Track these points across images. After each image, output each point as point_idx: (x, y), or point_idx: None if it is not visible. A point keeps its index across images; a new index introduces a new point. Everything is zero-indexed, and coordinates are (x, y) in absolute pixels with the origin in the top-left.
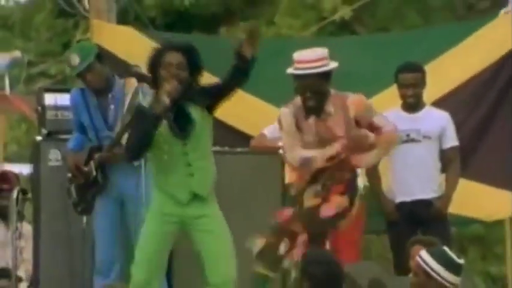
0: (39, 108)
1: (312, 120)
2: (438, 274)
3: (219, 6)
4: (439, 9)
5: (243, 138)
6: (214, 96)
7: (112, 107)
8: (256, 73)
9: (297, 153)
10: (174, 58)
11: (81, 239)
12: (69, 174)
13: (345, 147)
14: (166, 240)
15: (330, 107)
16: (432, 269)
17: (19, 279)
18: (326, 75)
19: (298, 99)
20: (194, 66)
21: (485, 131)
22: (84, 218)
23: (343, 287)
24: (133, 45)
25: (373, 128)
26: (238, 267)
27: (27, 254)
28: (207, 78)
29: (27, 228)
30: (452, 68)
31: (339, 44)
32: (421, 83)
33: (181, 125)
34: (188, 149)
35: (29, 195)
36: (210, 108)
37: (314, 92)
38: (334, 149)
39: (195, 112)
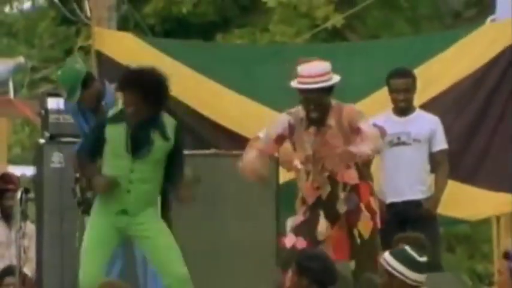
0: (42, 112)
1: (312, 130)
2: (401, 273)
3: (215, 14)
4: (427, 18)
5: (239, 141)
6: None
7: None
8: (252, 77)
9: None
10: (126, 98)
11: (83, 238)
12: (77, 175)
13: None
14: (107, 242)
15: (331, 120)
16: (395, 269)
17: (25, 277)
18: (329, 89)
19: (300, 111)
20: (150, 97)
21: (471, 134)
22: (86, 218)
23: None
24: (134, 51)
25: (357, 132)
26: (236, 266)
27: (32, 253)
28: (202, 82)
29: (30, 227)
30: (440, 72)
31: (330, 51)
32: (411, 88)
33: (137, 142)
34: (135, 167)
35: (32, 195)
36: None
37: (317, 105)
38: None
39: (158, 140)
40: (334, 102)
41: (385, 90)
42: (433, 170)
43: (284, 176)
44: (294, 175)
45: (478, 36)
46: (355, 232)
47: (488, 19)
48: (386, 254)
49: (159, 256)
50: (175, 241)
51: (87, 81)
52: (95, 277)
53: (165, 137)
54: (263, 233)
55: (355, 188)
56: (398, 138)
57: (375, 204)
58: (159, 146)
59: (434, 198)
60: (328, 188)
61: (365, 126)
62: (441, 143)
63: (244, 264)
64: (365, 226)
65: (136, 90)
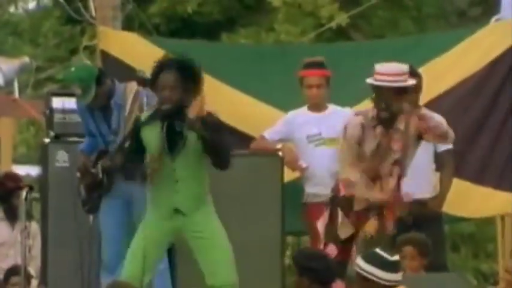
0: (47, 111)
1: (379, 130)
2: (374, 275)
3: (220, 14)
4: (433, 17)
5: (244, 140)
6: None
7: (115, 112)
8: (257, 77)
9: (346, 173)
10: (167, 79)
11: (87, 237)
12: (79, 174)
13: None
14: (161, 238)
15: (400, 125)
16: (368, 272)
17: (30, 277)
18: (403, 91)
19: (370, 110)
20: (190, 84)
21: (477, 132)
22: (91, 217)
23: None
24: (138, 51)
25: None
26: (241, 266)
27: (35, 251)
28: (208, 82)
29: (34, 226)
30: (445, 71)
31: (335, 50)
32: (417, 88)
33: (172, 141)
34: (176, 165)
35: (36, 194)
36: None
37: (388, 105)
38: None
39: (191, 132)
40: (407, 106)
41: None
42: (438, 169)
43: (289, 175)
44: (299, 174)
45: (483, 35)
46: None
47: (493, 18)
48: (360, 261)
49: (211, 256)
50: (229, 243)
51: (100, 78)
52: (135, 278)
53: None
54: (268, 232)
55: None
56: None
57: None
58: (193, 139)
59: (440, 198)
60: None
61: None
62: None
63: (250, 264)
64: (370, 225)
65: (177, 71)
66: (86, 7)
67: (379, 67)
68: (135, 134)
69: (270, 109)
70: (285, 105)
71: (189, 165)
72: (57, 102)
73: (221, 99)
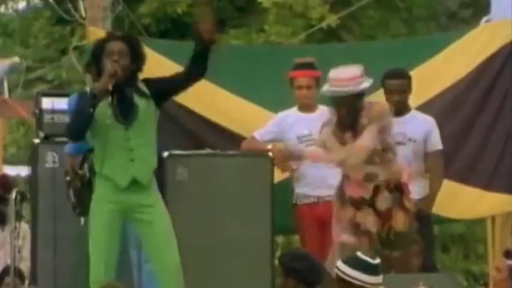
0: (37, 112)
1: (348, 135)
2: (357, 279)
3: None
4: (423, 18)
5: (234, 140)
6: (160, 90)
7: None
8: (247, 77)
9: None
10: (115, 46)
11: (78, 238)
12: (67, 178)
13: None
14: (115, 230)
15: (363, 119)
16: (350, 276)
17: (23, 276)
18: (359, 94)
19: (332, 117)
20: (136, 54)
21: (467, 134)
22: (82, 219)
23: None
24: None
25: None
26: (231, 265)
27: (25, 252)
28: (199, 83)
29: (24, 227)
30: (436, 74)
31: (326, 51)
32: (407, 89)
33: (124, 110)
34: (130, 134)
35: (26, 195)
36: (158, 100)
37: (349, 110)
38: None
39: (140, 100)
40: (366, 102)
41: (380, 91)
42: (427, 170)
43: (278, 175)
44: (289, 175)
45: (474, 37)
46: (385, 229)
47: (483, 19)
48: (340, 264)
49: (157, 241)
50: (171, 227)
51: None
52: (105, 270)
53: (143, 95)
54: (258, 232)
55: (398, 187)
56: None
57: (409, 204)
58: (143, 107)
59: (429, 198)
60: (371, 187)
61: (365, 133)
62: (436, 144)
63: (240, 263)
64: (398, 220)
65: (126, 42)
66: (76, 8)
67: (332, 74)
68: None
69: (260, 110)
70: (275, 106)
71: (143, 133)
72: (47, 103)
73: (211, 99)
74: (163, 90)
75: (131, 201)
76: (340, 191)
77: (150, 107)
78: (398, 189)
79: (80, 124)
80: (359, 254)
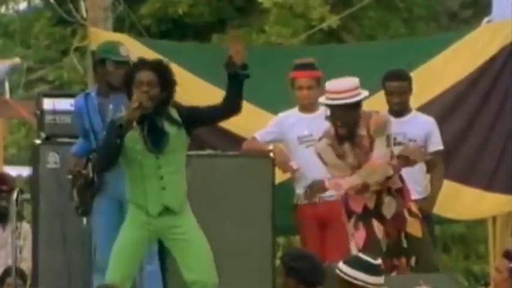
0: (38, 112)
1: (347, 146)
2: (361, 280)
3: (211, 15)
4: (423, 19)
5: (235, 141)
6: (192, 119)
7: (111, 106)
8: (247, 79)
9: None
10: (145, 77)
11: (79, 238)
12: (70, 176)
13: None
14: (140, 249)
15: (361, 130)
16: (351, 277)
17: (25, 276)
18: (356, 105)
19: (330, 128)
20: (166, 82)
21: (467, 134)
22: (84, 220)
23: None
24: (129, 53)
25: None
26: (232, 266)
27: (26, 252)
28: (198, 84)
29: (25, 227)
30: (437, 75)
31: (326, 52)
32: (407, 90)
33: (155, 138)
34: (161, 162)
35: (27, 195)
36: (189, 128)
37: (344, 121)
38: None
39: (170, 127)
40: (362, 112)
41: (381, 92)
42: (428, 170)
43: (280, 176)
44: (290, 176)
45: (474, 37)
46: (402, 236)
47: (485, 20)
48: (341, 265)
49: (193, 257)
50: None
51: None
52: (121, 281)
53: (175, 122)
54: (259, 233)
55: (399, 192)
56: (394, 138)
57: (415, 208)
58: (174, 134)
59: (430, 199)
60: (374, 196)
61: (376, 150)
62: (437, 144)
63: (240, 263)
64: (414, 227)
65: (154, 71)
66: (77, 8)
67: (329, 85)
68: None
69: (260, 111)
70: (276, 107)
71: (173, 161)
72: (48, 104)
73: (210, 100)
74: (196, 120)
75: (164, 224)
76: (346, 207)
77: (181, 134)
78: (400, 194)
79: (109, 156)
80: (360, 254)
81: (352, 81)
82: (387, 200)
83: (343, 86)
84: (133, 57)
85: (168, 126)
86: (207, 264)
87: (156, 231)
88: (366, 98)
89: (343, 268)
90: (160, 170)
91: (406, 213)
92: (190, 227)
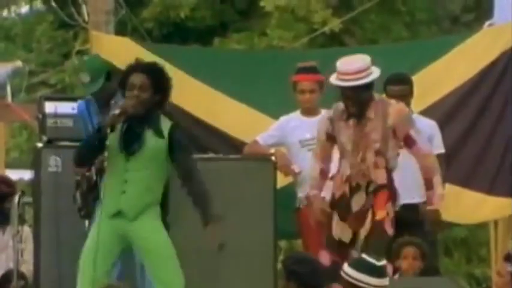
0: (40, 116)
1: (352, 122)
2: (365, 283)
3: (213, 19)
4: (425, 22)
5: (236, 145)
6: (171, 150)
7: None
8: (248, 83)
9: (314, 170)
10: (137, 79)
11: (81, 242)
12: (78, 178)
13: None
14: (111, 239)
15: (371, 113)
16: (358, 280)
17: (25, 278)
18: (368, 85)
19: (340, 104)
20: (159, 86)
21: (469, 138)
22: (86, 223)
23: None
24: (131, 56)
25: (408, 142)
26: (234, 270)
27: (27, 255)
28: (199, 87)
29: (26, 231)
30: (439, 79)
31: (329, 56)
32: (408, 94)
33: (131, 140)
34: (129, 166)
35: (29, 199)
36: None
37: (356, 102)
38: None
39: (152, 137)
40: (377, 96)
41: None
42: None
43: (282, 180)
44: (292, 179)
45: (476, 41)
46: (361, 231)
47: (486, 24)
48: (346, 268)
49: (157, 268)
50: (171, 245)
51: (109, 74)
52: (93, 280)
53: (158, 134)
54: (261, 236)
55: (381, 188)
56: None
57: (390, 211)
58: (152, 144)
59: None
60: (346, 185)
61: (419, 139)
62: (438, 147)
63: (242, 267)
64: (368, 229)
65: (148, 74)
66: (79, 12)
67: (340, 66)
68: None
69: (262, 115)
70: (277, 111)
71: (142, 169)
72: (49, 107)
73: (212, 104)
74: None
75: (120, 228)
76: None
77: (160, 146)
78: (375, 195)
79: (84, 153)
80: (365, 256)
81: (364, 60)
82: (358, 194)
83: (354, 67)
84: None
85: (149, 134)
86: (170, 271)
87: (119, 231)
88: (377, 77)
89: (348, 270)
90: (127, 173)
91: (369, 214)
92: (148, 224)
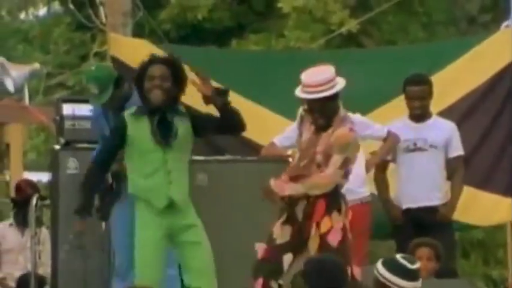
0: (57, 118)
1: (313, 128)
2: (393, 283)
3: (231, 20)
4: (442, 23)
5: (253, 147)
6: (198, 126)
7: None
8: (266, 84)
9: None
10: (157, 70)
11: (98, 243)
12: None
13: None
14: (159, 244)
15: (330, 129)
16: (387, 280)
17: (42, 281)
18: (332, 96)
19: (306, 117)
20: (178, 77)
21: (485, 139)
22: (103, 224)
23: None
24: None
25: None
26: (246, 272)
27: (45, 257)
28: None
29: (44, 232)
30: (456, 80)
31: (345, 56)
32: (427, 96)
33: (164, 132)
34: (168, 156)
35: (47, 201)
36: (195, 132)
37: (321, 113)
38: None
39: (179, 123)
40: (343, 112)
41: (402, 97)
42: (449, 175)
43: None
44: None
45: (493, 42)
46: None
47: (503, 24)
48: (379, 266)
49: (201, 265)
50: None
51: (118, 81)
52: (153, 280)
53: (184, 118)
54: None
55: (315, 200)
56: (415, 144)
57: (336, 221)
58: (183, 131)
59: (451, 204)
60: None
61: (330, 167)
62: (457, 149)
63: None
64: (313, 242)
65: (168, 65)
66: (97, 14)
67: (304, 77)
68: (119, 132)
69: (278, 116)
70: (293, 113)
71: (180, 157)
72: (67, 109)
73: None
74: (198, 126)
75: (177, 225)
76: None
77: (188, 130)
78: (314, 204)
79: (109, 158)
80: (398, 257)
81: (329, 72)
82: (301, 200)
83: (319, 79)
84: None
85: (177, 121)
86: (210, 271)
87: (167, 231)
88: (342, 88)
89: (381, 270)
90: (167, 164)
91: (313, 226)
92: (200, 230)
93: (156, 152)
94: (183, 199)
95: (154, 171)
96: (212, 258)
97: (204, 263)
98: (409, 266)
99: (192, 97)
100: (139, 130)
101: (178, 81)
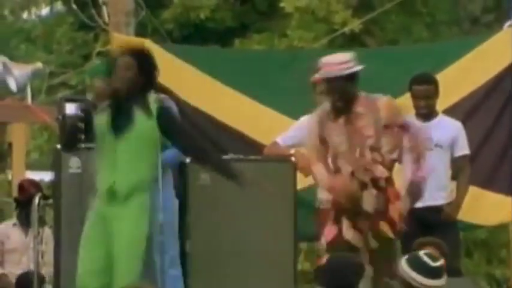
0: (60, 117)
1: (341, 120)
2: (416, 281)
3: (233, 20)
4: (445, 23)
5: (256, 147)
6: (164, 131)
7: None
8: (268, 84)
9: (318, 173)
10: (122, 61)
11: None
12: None
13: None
14: (99, 239)
15: (359, 108)
16: (410, 277)
17: (43, 279)
18: (352, 77)
19: (326, 104)
20: (144, 69)
21: (489, 139)
22: None
23: None
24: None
25: (403, 129)
26: (254, 274)
27: (48, 257)
28: (220, 89)
29: (47, 232)
30: (459, 79)
31: None
32: (433, 95)
33: (119, 121)
34: (119, 146)
35: (49, 200)
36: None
37: (341, 94)
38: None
39: (141, 116)
40: (363, 94)
41: (406, 95)
42: (454, 175)
43: (302, 181)
44: (312, 181)
45: (496, 41)
46: (369, 236)
47: (506, 24)
48: (403, 263)
49: (117, 257)
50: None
51: None
52: (91, 274)
53: (147, 114)
54: (281, 238)
55: (385, 187)
56: None
57: (397, 210)
58: (141, 124)
59: (456, 204)
60: (356, 184)
61: (413, 126)
62: (463, 149)
63: (262, 269)
64: (388, 227)
65: (135, 56)
66: (99, 13)
67: (324, 60)
68: (87, 120)
69: (281, 116)
70: (297, 112)
71: (134, 150)
72: (70, 108)
73: (232, 105)
74: (164, 133)
75: (110, 215)
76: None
77: (151, 127)
78: (386, 190)
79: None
80: (421, 254)
81: (346, 55)
82: (365, 193)
83: (337, 59)
84: None
85: (138, 114)
86: (125, 268)
87: (104, 222)
88: (359, 70)
89: (404, 267)
90: (116, 152)
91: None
92: (128, 220)
93: (109, 139)
94: (123, 191)
95: (105, 157)
96: (131, 248)
97: (118, 253)
98: (431, 263)
99: (202, 99)
100: (102, 120)
101: (145, 72)
